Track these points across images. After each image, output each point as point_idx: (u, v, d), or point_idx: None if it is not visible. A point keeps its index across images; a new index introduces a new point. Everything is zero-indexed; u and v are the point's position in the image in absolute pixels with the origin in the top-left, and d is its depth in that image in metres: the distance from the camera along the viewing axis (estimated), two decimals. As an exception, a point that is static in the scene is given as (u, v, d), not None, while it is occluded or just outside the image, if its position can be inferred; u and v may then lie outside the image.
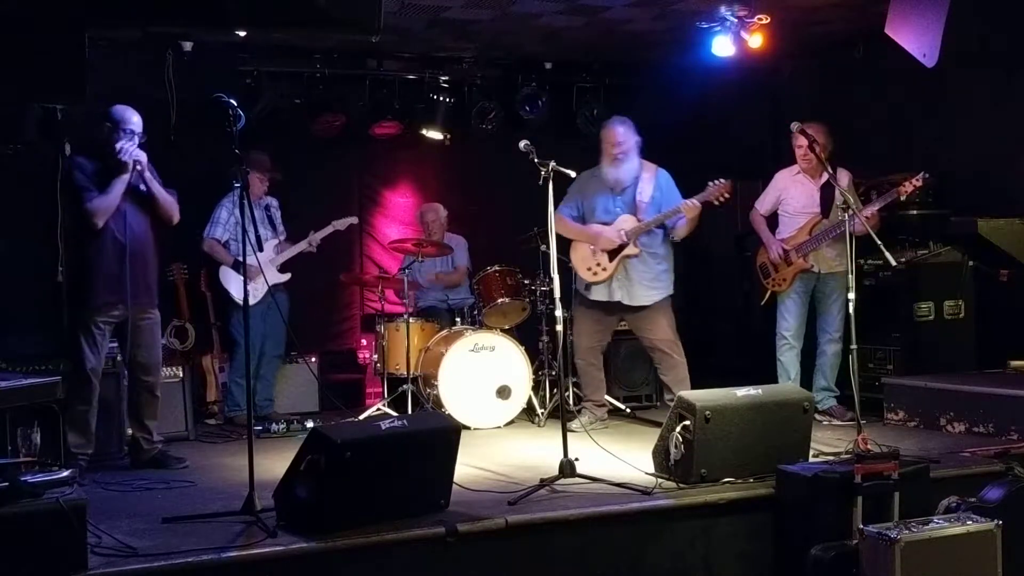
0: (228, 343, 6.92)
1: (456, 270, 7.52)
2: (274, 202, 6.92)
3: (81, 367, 5.02)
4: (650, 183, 6.06)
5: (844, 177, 6.04)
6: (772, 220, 6.47)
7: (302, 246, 6.83)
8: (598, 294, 6.11)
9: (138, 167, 5.07)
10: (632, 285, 6.04)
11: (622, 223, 6.03)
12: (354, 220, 7.09)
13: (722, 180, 5.84)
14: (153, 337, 5.31)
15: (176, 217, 5.30)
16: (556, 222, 6.10)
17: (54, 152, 6.20)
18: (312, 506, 3.79)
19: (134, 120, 5.11)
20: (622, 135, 6.01)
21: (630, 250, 6.00)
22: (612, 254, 6.04)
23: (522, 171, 5.11)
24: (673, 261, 6.20)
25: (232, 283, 6.65)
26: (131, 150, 5.03)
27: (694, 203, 5.84)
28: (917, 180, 5.84)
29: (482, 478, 4.80)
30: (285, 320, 6.59)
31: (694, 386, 4.78)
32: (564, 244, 6.28)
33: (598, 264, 6.08)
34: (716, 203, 5.87)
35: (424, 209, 7.66)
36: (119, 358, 5.35)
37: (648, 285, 6.05)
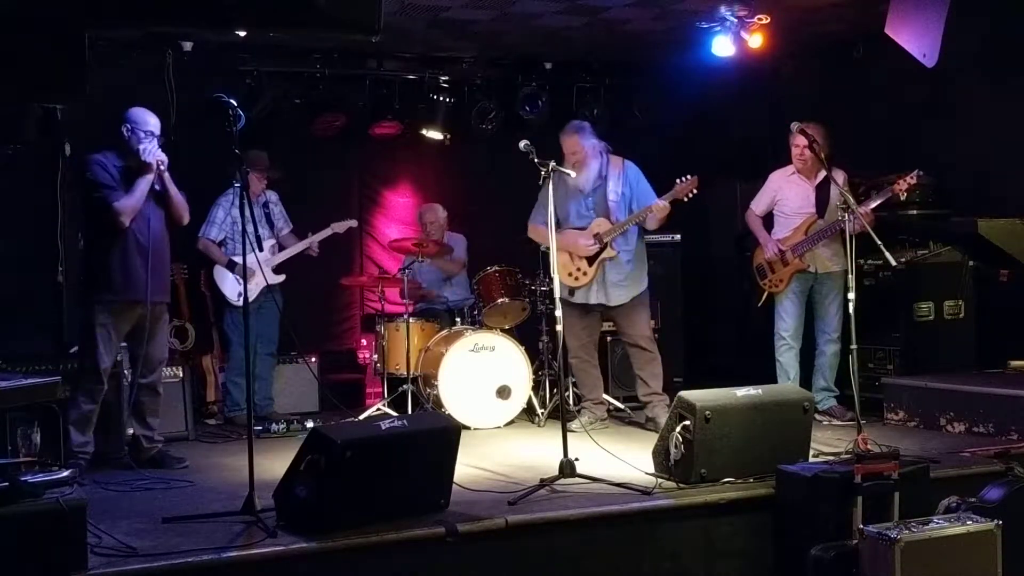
0: (223, 342, 6.92)
1: (454, 261, 7.51)
2: (273, 196, 6.91)
3: (95, 367, 5.02)
4: (618, 180, 6.10)
5: (839, 177, 6.06)
6: (768, 220, 6.48)
7: (302, 246, 6.83)
8: (579, 297, 6.16)
9: (161, 167, 5.09)
10: (609, 287, 6.10)
11: (596, 227, 6.08)
12: (353, 223, 7.09)
13: (689, 176, 5.87)
14: (163, 335, 5.35)
15: (187, 218, 5.35)
16: (531, 231, 6.17)
17: (54, 152, 6.20)
18: (312, 506, 3.79)
19: (152, 122, 5.15)
20: (574, 145, 6.04)
21: (608, 253, 6.05)
22: (591, 259, 6.08)
23: (522, 171, 5.12)
24: (646, 257, 6.28)
25: (226, 282, 6.65)
26: (154, 151, 5.05)
27: (664, 204, 5.91)
28: (911, 178, 5.86)
29: (482, 478, 4.80)
30: (282, 316, 6.59)
31: (694, 386, 4.78)
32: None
33: (578, 269, 6.13)
34: (685, 199, 5.92)
35: (423, 210, 7.65)
36: (119, 357, 5.35)
37: (623, 284, 6.11)
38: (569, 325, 6.24)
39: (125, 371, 5.43)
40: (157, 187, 5.14)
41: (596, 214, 6.11)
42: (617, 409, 6.68)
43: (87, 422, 5.06)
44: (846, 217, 5.23)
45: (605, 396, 6.54)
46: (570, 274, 6.14)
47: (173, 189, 5.21)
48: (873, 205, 5.90)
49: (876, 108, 7.29)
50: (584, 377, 6.38)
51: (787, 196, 6.36)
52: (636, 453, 5.02)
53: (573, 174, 5.18)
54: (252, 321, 6.49)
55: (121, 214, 4.99)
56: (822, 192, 6.26)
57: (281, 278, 6.82)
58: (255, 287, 6.43)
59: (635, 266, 6.16)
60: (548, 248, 6.10)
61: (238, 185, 4.51)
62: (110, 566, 3.43)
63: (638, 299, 6.18)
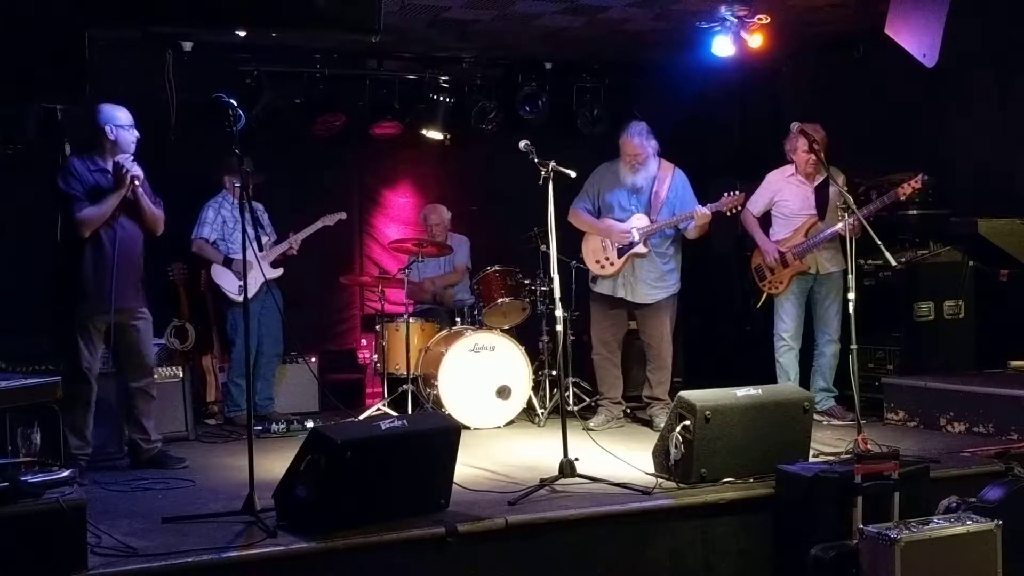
0: (225, 343, 6.90)
1: (455, 270, 7.51)
2: (260, 206, 6.87)
3: (78, 367, 5.00)
4: (666, 183, 6.16)
5: (840, 178, 6.06)
6: (764, 221, 6.48)
7: (283, 247, 6.82)
8: (603, 287, 6.24)
9: (135, 183, 5.05)
10: (637, 283, 6.15)
11: (635, 221, 6.12)
12: (342, 215, 7.03)
13: (736, 192, 5.96)
14: (148, 337, 5.31)
15: (160, 229, 5.28)
16: (571, 215, 6.23)
17: (54, 152, 6.20)
18: (312, 506, 3.79)
19: (127, 117, 5.11)
20: (639, 146, 6.10)
21: (639, 249, 6.09)
22: (622, 250, 6.13)
23: (522, 171, 5.11)
24: (681, 261, 6.29)
25: (225, 280, 6.63)
26: (130, 167, 5.03)
27: (706, 211, 5.95)
28: (916, 182, 5.83)
29: (482, 478, 4.80)
30: (283, 315, 6.59)
31: (694, 386, 4.78)
32: (571, 240, 6.32)
33: (607, 259, 6.19)
34: (728, 213, 6.00)
35: (427, 211, 7.64)
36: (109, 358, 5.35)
37: (652, 284, 6.15)
38: (595, 321, 6.36)
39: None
40: (130, 196, 5.08)
41: (638, 211, 6.16)
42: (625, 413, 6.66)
43: (82, 424, 5.04)
44: (845, 218, 5.24)
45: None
46: (597, 261, 6.22)
47: (146, 203, 5.15)
48: (875, 208, 5.88)
49: (876, 108, 7.29)
50: (604, 375, 6.40)
51: (787, 197, 6.35)
52: (636, 453, 5.02)
53: (573, 174, 5.17)
54: (256, 323, 6.55)
55: (82, 225, 4.96)
56: (821, 193, 6.26)
57: (279, 272, 6.80)
58: (253, 283, 6.41)
59: (668, 269, 6.20)
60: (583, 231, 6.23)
61: (237, 185, 4.49)
62: (110, 566, 3.43)
63: (665, 302, 6.22)
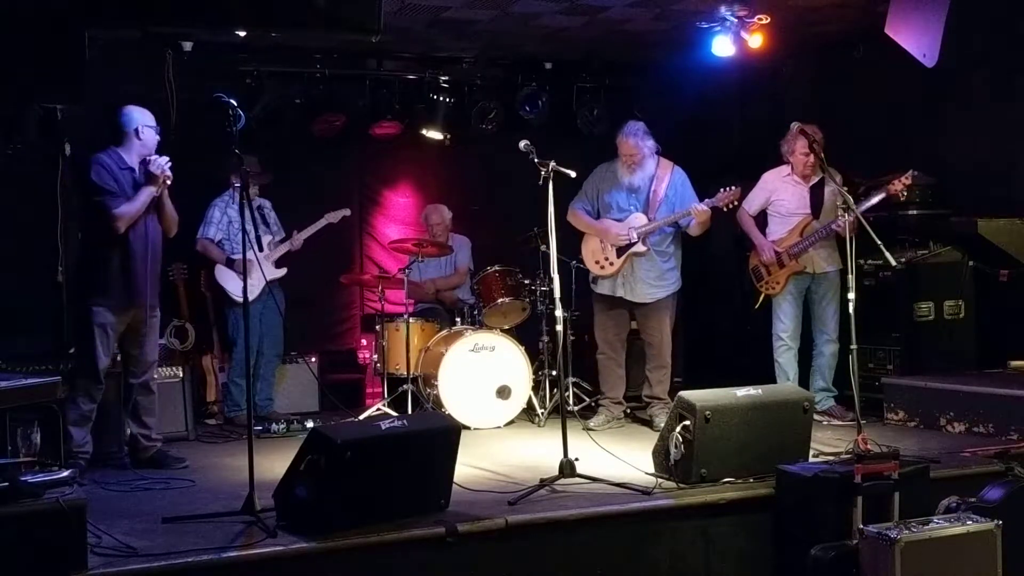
0: (225, 343, 6.91)
1: (456, 271, 7.52)
2: (267, 203, 6.89)
3: (93, 367, 5.02)
4: (665, 181, 6.16)
5: (837, 177, 6.08)
6: (760, 220, 6.48)
7: (286, 247, 6.82)
8: (603, 287, 6.26)
9: (167, 182, 5.09)
10: (636, 282, 6.15)
11: (633, 221, 6.13)
12: (347, 212, 7.05)
13: (733, 187, 5.96)
14: (155, 335, 5.36)
15: (174, 231, 5.36)
16: (569, 215, 6.24)
17: (54, 152, 6.20)
18: (312, 506, 3.80)
19: (151, 119, 5.18)
20: (635, 146, 6.11)
21: (638, 248, 6.10)
22: (620, 250, 6.13)
23: (522, 171, 5.12)
24: (681, 260, 6.30)
25: (228, 281, 6.64)
26: (164, 166, 5.07)
27: (704, 207, 5.95)
28: (906, 178, 5.86)
29: (482, 478, 4.80)
30: (283, 315, 6.59)
31: (694, 386, 4.78)
32: (571, 240, 6.33)
33: (606, 259, 6.20)
34: (725, 208, 6.00)
35: (429, 211, 7.64)
36: (118, 358, 5.35)
37: (652, 283, 6.16)
38: (598, 322, 6.38)
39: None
40: (157, 196, 5.15)
41: (636, 211, 6.17)
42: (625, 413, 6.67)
43: (87, 421, 5.07)
44: (845, 217, 5.24)
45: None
46: (597, 262, 6.24)
47: (169, 204, 5.22)
48: (867, 206, 5.88)
49: (876, 108, 7.29)
50: (607, 375, 6.40)
51: (782, 197, 6.35)
52: (636, 453, 5.03)
53: (573, 174, 5.17)
54: (256, 323, 6.56)
55: (118, 219, 4.99)
56: (817, 193, 6.27)
57: (282, 272, 6.81)
58: (257, 285, 6.42)
59: (668, 268, 6.21)
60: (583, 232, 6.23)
61: (238, 185, 4.51)
62: (110, 566, 3.44)
63: (664, 302, 6.23)
